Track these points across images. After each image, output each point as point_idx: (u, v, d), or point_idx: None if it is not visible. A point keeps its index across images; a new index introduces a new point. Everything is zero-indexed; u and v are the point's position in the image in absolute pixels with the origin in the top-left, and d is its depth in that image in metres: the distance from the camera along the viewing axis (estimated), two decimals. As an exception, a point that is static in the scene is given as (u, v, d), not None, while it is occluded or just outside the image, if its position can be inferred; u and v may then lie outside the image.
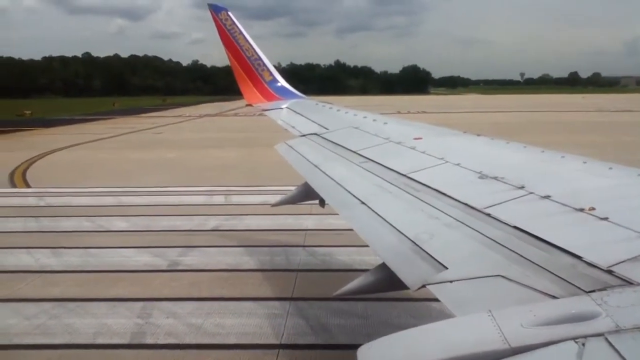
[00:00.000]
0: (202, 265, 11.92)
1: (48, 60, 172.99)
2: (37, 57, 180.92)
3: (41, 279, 11.31)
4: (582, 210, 3.39)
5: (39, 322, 9.16)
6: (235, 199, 18.95)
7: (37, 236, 14.65)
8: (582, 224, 3.25)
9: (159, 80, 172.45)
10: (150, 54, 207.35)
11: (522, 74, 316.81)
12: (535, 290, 2.64)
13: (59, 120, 60.37)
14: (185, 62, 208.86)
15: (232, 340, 8.55)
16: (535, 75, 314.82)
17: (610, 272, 2.57)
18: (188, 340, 8.56)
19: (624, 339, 1.99)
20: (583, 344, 2.01)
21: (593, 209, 3.35)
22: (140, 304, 9.88)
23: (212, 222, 15.50)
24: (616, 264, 2.62)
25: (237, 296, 10.20)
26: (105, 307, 9.80)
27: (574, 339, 2.05)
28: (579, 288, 2.51)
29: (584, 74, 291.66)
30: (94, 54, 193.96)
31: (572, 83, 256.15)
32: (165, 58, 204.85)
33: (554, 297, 2.52)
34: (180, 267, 11.89)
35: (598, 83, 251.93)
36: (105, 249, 13.18)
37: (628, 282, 2.44)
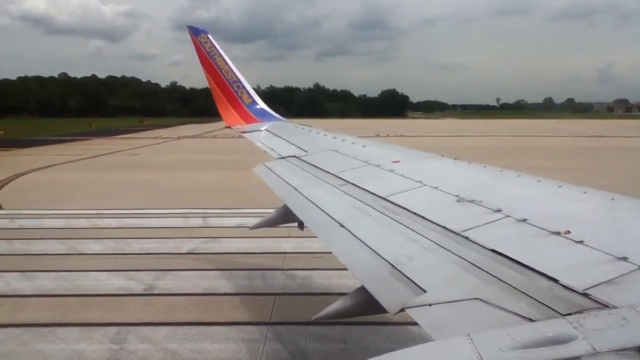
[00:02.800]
0: (178, 289, 11.74)
1: (23, 80, 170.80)
2: (12, 76, 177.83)
3: (11, 303, 11.02)
4: (558, 233, 3.43)
5: (7, 349, 8.89)
6: (213, 221, 18.79)
7: (8, 259, 14.28)
8: (558, 247, 3.29)
9: (136, 101, 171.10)
10: (128, 75, 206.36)
11: (498, 99, 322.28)
12: (513, 313, 2.65)
13: (34, 140, 59.42)
14: (163, 83, 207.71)
15: (208, 366, 8.39)
16: (511, 100, 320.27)
17: (586, 295, 2.60)
18: (163, 366, 8.38)
19: (601, 362, 2.00)
20: (561, 367, 2.02)
21: (569, 232, 3.40)
22: (115, 328, 9.67)
23: (188, 245, 15.32)
24: (592, 287, 2.65)
25: (214, 321, 10.04)
26: (77, 332, 9.56)
27: (552, 362, 2.06)
28: (555, 311, 2.53)
29: (558, 99, 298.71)
30: (71, 74, 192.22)
31: (547, 108, 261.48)
32: (144, 79, 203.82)
33: (531, 320, 2.54)
34: (155, 291, 11.69)
35: (572, 109, 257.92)
36: (78, 272, 12.91)
37: (604, 305, 2.46)
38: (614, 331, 2.20)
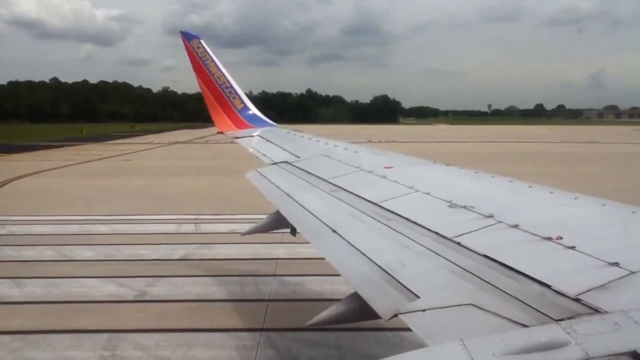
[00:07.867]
0: (170, 296, 11.67)
1: (14, 85, 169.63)
2: (2, 81, 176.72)
3: (1, 310, 10.90)
4: (549, 239, 3.45)
5: (-3, 356, 8.80)
6: (205, 227, 18.72)
7: (-3, 266, 14.14)
8: (550, 252, 3.31)
9: (128, 106, 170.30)
10: (120, 79, 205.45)
11: (489, 105, 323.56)
12: (506, 319, 2.66)
13: (24, 146, 59.00)
14: (155, 88, 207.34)
15: (200, 373, 8.34)
16: (502, 106, 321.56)
17: (578, 300, 2.61)
18: (154, 373, 8.32)
19: (593, 368, 2.01)
20: (554, 373, 2.03)
21: (560, 238, 3.41)
22: (106, 335, 9.59)
23: (180, 251, 15.24)
24: (584, 293, 2.66)
25: (206, 327, 9.99)
26: (68, 339, 9.48)
27: (545, 367, 2.06)
28: (548, 317, 2.54)
29: (549, 105, 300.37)
30: (62, 79, 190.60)
31: (538, 114, 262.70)
32: (135, 84, 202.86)
33: (524, 325, 2.55)
34: (147, 298, 11.61)
35: (562, 115, 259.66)
36: (69, 278, 12.80)
37: (596, 311, 2.48)
38: (607, 336, 2.21)
